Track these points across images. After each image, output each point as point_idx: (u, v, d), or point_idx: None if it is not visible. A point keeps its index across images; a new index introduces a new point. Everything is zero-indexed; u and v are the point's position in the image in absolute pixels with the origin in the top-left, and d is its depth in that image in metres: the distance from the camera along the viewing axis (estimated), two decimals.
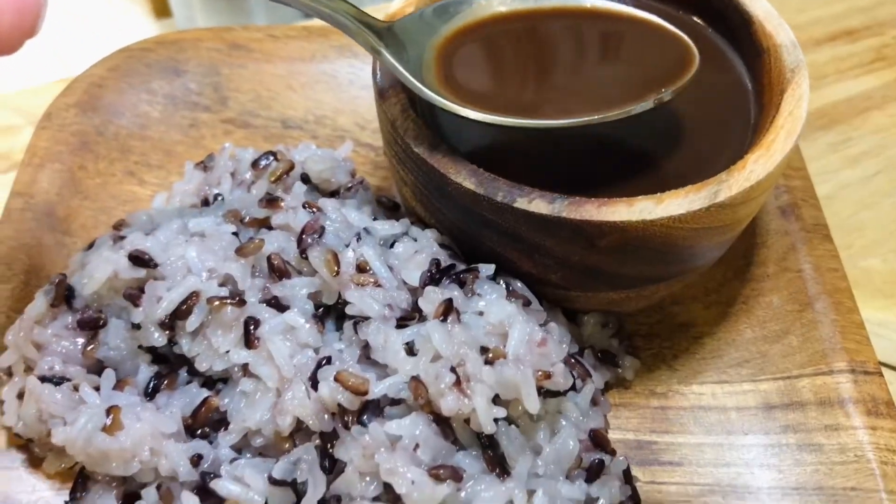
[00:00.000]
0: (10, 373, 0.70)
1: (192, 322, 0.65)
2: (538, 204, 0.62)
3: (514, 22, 0.72)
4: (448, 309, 0.61)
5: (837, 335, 0.75)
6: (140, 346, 0.68)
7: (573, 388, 0.65)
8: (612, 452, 0.66)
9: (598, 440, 0.64)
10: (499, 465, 0.60)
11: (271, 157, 0.77)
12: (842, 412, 0.71)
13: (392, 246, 0.69)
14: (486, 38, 0.71)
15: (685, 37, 0.69)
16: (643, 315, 0.80)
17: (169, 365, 0.69)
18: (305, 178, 0.76)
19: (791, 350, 0.76)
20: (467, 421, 0.59)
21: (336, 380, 0.59)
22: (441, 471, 0.57)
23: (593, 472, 0.63)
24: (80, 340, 0.68)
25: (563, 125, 0.64)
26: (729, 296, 0.81)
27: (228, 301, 0.64)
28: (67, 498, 0.65)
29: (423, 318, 0.63)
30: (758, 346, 0.77)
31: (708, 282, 0.81)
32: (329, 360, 0.62)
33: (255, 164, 0.76)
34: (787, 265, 0.81)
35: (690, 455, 0.72)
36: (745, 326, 0.79)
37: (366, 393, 0.59)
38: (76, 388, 0.65)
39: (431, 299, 0.62)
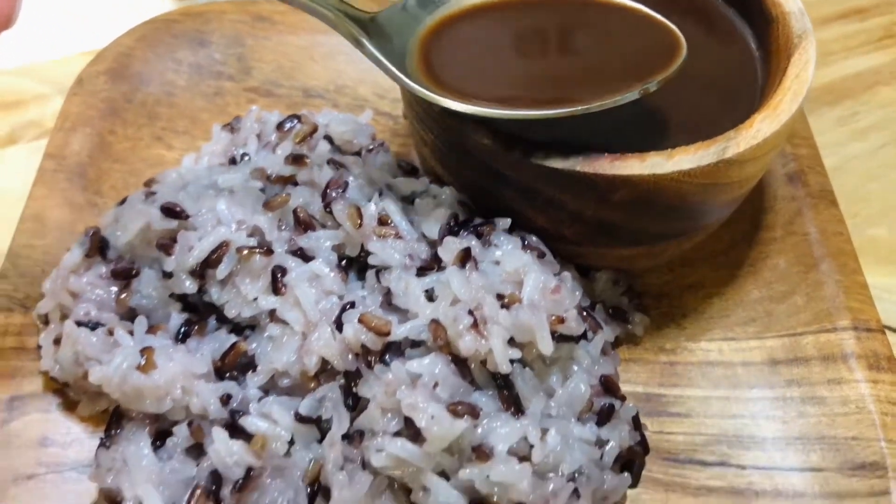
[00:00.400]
0: (46, 321, 0.74)
1: (221, 270, 0.68)
2: (554, 159, 0.64)
3: (498, 11, 0.73)
4: (466, 256, 0.64)
5: (841, 295, 0.78)
6: (171, 296, 0.71)
7: (584, 337, 0.68)
8: (622, 398, 0.68)
9: (608, 385, 0.67)
10: (514, 404, 0.62)
11: (295, 120, 0.79)
12: (845, 367, 0.74)
13: (412, 203, 0.72)
14: (471, 29, 0.72)
15: (673, 26, 0.70)
16: (653, 275, 0.82)
17: (198, 314, 0.72)
18: (329, 140, 0.79)
19: (796, 309, 0.78)
20: (484, 363, 0.62)
21: (360, 321, 0.62)
22: (459, 406, 0.60)
23: (604, 416, 0.66)
24: (114, 289, 0.71)
25: (546, 116, 0.63)
26: (737, 258, 0.83)
27: (257, 250, 0.68)
28: (101, 437, 0.69)
29: (441, 269, 0.66)
30: (764, 306, 0.80)
31: (716, 245, 0.83)
32: (353, 305, 0.65)
33: (279, 126, 0.79)
34: (793, 229, 0.83)
35: (697, 407, 0.75)
36: (752, 287, 0.81)
37: (388, 333, 0.62)
38: (111, 333, 0.68)
39: (450, 248, 0.65)
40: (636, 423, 0.69)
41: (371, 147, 0.79)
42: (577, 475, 0.62)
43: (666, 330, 0.80)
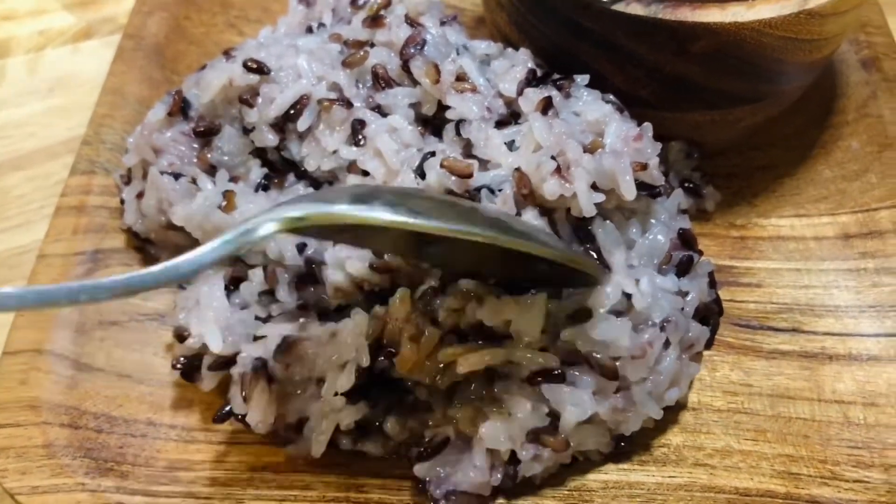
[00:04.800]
0: (128, 181, 0.76)
1: (302, 122, 0.69)
2: (635, 6, 0.65)
3: None
4: (548, 104, 0.64)
5: None
6: (251, 153, 0.72)
7: (661, 193, 0.68)
8: (700, 252, 0.68)
9: (686, 238, 0.67)
10: (597, 256, 0.62)
11: None
12: None
13: (489, 66, 0.73)
14: None
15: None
16: (722, 158, 0.82)
17: (277, 172, 0.73)
18: None
19: (870, 186, 0.78)
20: (567, 211, 0.62)
21: (442, 166, 0.62)
22: None
23: (683, 267, 0.66)
24: (196, 146, 0.72)
25: None
26: (808, 141, 0.83)
27: (337, 101, 0.69)
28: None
29: (520, 124, 0.66)
30: (836, 185, 0.79)
31: (786, 128, 0.83)
32: (433, 154, 0.65)
33: (353, 0, 0.80)
34: (866, 112, 0.82)
35: (768, 278, 0.75)
36: (824, 167, 0.81)
37: (471, 175, 0.62)
38: (193, 182, 0.69)
39: (531, 98, 0.65)
40: (712, 281, 0.69)
41: (444, 20, 0.80)
42: (664, 324, 0.62)
43: (736, 207, 0.80)
